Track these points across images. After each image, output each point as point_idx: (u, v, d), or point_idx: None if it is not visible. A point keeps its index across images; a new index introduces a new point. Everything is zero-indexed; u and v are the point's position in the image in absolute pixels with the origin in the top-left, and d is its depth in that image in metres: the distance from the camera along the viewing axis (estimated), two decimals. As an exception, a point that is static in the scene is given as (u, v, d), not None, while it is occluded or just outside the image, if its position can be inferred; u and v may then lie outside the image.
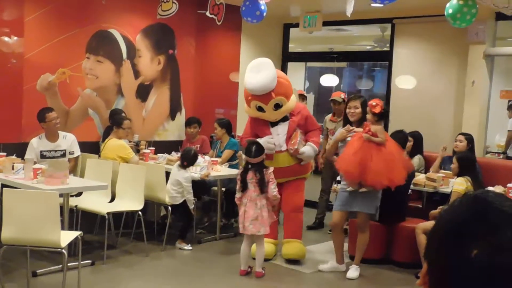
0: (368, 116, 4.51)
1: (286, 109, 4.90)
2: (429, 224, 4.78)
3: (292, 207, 5.06)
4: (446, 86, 6.78)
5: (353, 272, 4.68)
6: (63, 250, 3.65)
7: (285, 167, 4.89)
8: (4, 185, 3.92)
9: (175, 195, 5.19)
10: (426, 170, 5.82)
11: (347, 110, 4.71)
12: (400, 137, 5.22)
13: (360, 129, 4.52)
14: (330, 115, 6.38)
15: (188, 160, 5.23)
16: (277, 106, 4.80)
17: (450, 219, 0.81)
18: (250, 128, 5.09)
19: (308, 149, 4.95)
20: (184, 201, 5.25)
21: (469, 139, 5.72)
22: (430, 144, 6.21)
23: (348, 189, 4.55)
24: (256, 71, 4.74)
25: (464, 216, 0.79)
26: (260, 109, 4.82)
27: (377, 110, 4.45)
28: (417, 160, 6.04)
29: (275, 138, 4.88)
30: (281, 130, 4.92)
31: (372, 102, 4.50)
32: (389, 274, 4.92)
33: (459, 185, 4.63)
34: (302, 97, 6.48)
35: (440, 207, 4.86)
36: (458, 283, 0.76)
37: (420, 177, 5.42)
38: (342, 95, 6.25)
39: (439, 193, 5.21)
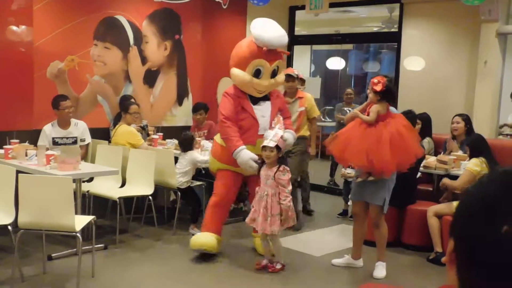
0: (370, 95, 4.17)
1: (278, 81, 4.58)
2: (440, 207, 4.82)
3: None
4: (457, 66, 6.71)
5: (380, 271, 4.37)
6: (78, 234, 3.76)
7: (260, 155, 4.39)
8: (18, 171, 4.01)
9: (179, 179, 5.28)
10: (436, 153, 5.76)
11: (368, 91, 4.38)
12: (409, 118, 5.23)
13: (361, 106, 4.35)
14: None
15: (182, 145, 5.32)
16: (273, 74, 4.44)
17: (481, 195, 0.81)
18: (232, 105, 4.39)
19: (290, 137, 4.49)
20: (191, 186, 5.35)
21: (466, 119, 5.65)
22: (440, 126, 6.19)
23: (357, 180, 4.33)
24: (269, 25, 4.44)
25: (495, 192, 0.79)
26: (257, 73, 4.36)
27: (379, 88, 4.08)
28: (426, 143, 6.04)
29: (260, 120, 4.43)
30: (265, 111, 4.48)
31: (374, 79, 4.17)
32: (399, 257, 4.96)
33: (474, 166, 4.59)
34: (301, 81, 6.05)
35: (443, 180, 4.90)
36: (487, 259, 0.76)
37: (430, 160, 5.37)
38: (296, 71, 5.69)
39: (451, 175, 5.11)
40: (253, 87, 4.38)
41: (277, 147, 4.09)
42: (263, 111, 4.47)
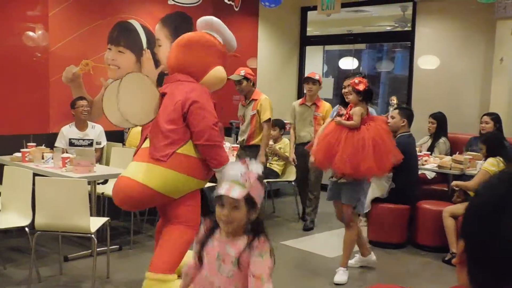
0: (351, 96, 4.00)
1: None
2: (456, 207, 4.77)
3: None
4: (472, 64, 6.65)
5: (341, 276, 4.20)
6: (93, 236, 3.82)
7: None
8: (35, 174, 4.08)
9: None
10: (452, 153, 5.71)
11: (343, 90, 4.25)
12: (408, 115, 5.24)
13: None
14: (242, 99, 5.53)
15: None
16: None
17: (491, 195, 0.81)
18: (213, 107, 3.57)
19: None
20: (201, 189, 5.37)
21: (495, 118, 5.56)
22: (455, 125, 6.15)
23: (331, 179, 4.21)
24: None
25: (506, 192, 0.79)
26: None
27: (361, 87, 3.93)
28: (442, 143, 5.98)
29: None
30: None
31: (355, 79, 4.01)
32: (414, 258, 4.94)
33: (491, 165, 4.52)
34: (313, 82, 5.66)
35: (455, 182, 4.87)
36: (498, 260, 0.76)
37: (446, 159, 5.35)
38: (243, 71, 5.28)
39: (466, 175, 5.08)
40: (219, 86, 3.76)
41: (247, 200, 2.05)
42: None
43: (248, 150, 5.14)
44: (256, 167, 2.10)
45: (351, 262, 4.48)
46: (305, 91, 5.80)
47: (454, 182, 4.88)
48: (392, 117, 5.29)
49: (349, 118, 3.96)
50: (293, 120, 5.71)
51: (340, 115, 4.06)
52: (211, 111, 3.43)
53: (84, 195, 3.73)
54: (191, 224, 3.46)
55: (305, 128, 5.69)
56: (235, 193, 2.01)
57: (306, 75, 5.95)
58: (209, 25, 3.71)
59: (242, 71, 5.21)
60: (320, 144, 4.07)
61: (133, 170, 3.43)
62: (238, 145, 5.60)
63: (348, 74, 4.41)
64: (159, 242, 3.47)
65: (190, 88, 3.41)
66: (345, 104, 4.17)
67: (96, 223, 3.95)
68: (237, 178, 2.05)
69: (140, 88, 3.52)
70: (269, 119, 5.26)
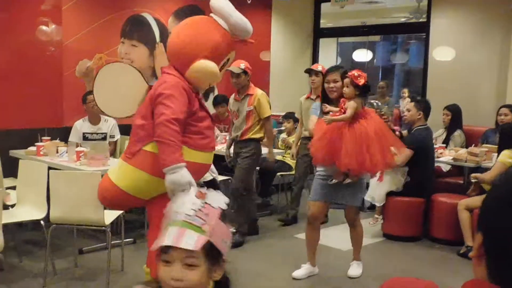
0: (348, 89, 3.70)
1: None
2: (471, 200, 4.72)
3: None
4: (489, 56, 6.57)
5: (356, 269, 4.19)
6: (107, 229, 3.83)
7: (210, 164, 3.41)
8: (50, 168, 4.11)
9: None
10: (468, 145, 5.65)
11: (326, 85, 3.92)
12: (424, 107, 5.20)
13: (337, 109, 3.78)
14: (234, 93, 5.21)
15: None
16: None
17: (510, 187, 0.81)
18: (186, 103, 3.07)
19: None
20: (214, 180, 5.38)
21: None
22: (471, 117, 6.09)
23: (331, 182, 3.90)
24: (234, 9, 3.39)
25: None
26: (222, 66, 3.31)
27: (361, 82, 3.67)
28: (457, 136, 5.93)
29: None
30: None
31: (354, 72, 3.73)
32: (428, 251, 4.91)
33: (507, 157, 4.46)
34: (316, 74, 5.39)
35: (474, 174, 4.82)
36: None
37: (461, 152, 5.30)
38: (243, 65, 4.93)
39: (482, 168, 5.01)
40: (213, 80, 3.32)
41: (208, 252, 1.42)
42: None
43: (241, 144, 5.00)
44: (217, 198, 1.44)
45: (299, 273, 4.13)
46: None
47: (473, 174, 4.81)
48: (408, 110, 5.24)
49: (345, 112, 3.69)
50: (300, 115, 5.59)
51: (326, 113, 3.83)
52: (174, 107, 2.98)
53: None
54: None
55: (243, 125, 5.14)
56: (190, 242, 1.34)
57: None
58: (213, 10, 3.33)
59: (242, 64, 4.90)
60: (320, 142, 3.78)
61: (112, 168, 3.32)
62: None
63: (331, 67, 4.04)
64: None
65: (162, 80, 3.15)
66: (327, 101, 3.91)
67: (110, 216, 3.97)
68: (190, 218, 1.38)
69: (122, 79, 3.40)
70: (269, 116, 5.06)
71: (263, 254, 4.73)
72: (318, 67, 5.45)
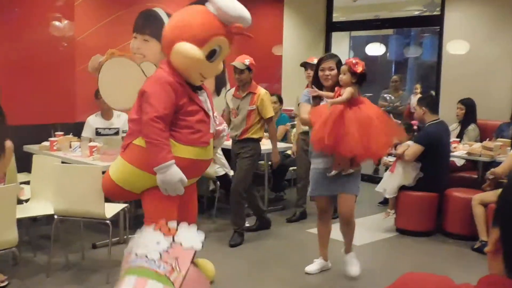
0: (344, 77, 3.60)
1: (221, 68, 3.37)
2: (486, 195, 4.68)
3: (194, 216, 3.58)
4: (503, 49, 6.49)
5: (356, 265, 3.94)
6: (108, 222, 3.84)
7: (210, 159, 3.36)
8: (63, 162, 4.15)
9: (217, 168, 5.36)
10: (482, 139, 5.60)
11: (320, 73, 3.79)
12: (428, 102, 5.19)
13: (331, 93, 3.69)
14: (233, 89, 4.96)
15: None
16: (211, 56, 3.16)
17: None
18: (171, 98, 3.03)
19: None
20: (226, 175, 5.40)
21: None
22: (485, 112, 6.03)
23: (331, 173, 3.75)
24: None
25: None
26: (212, 54, 3.11)
27: (359, 69, 3.58)
28: (471, 130, 5.88)
29: (210, 116, 3.27)
30: (208, 103, 3.30)
31: (351, 60, 3.65)
32: (442, 246, 4.88)
33: None
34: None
35: (491, 170, 4.78)
36: None
37: (475, 146, 5.26)
38: (248, 61, 4.73)
39: (496, 162, 4.95)
40: (200, 72, 3.14)
41: None
42: (206, 103, 3.26)
43: (240, 144, 4.82)
44: (189, 236, 1.11)
45: (312, 268, 4.11)
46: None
47: (490, 171, 4.77)
48: (415, 109, 5.26)
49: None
50: (298, 111, 5.42)
51: (317, 98, 3.75)
52: (156, 104, 2.96)
53: (98, 182, 3.67)
54: (154, 222, 3.08)
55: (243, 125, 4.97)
56: None
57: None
58: None
59: (246, 60, 4.72)
60: (323, 128, 3.55)
61: (113, 161, 3.39)
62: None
63: (326, 55, 3.96)
64: None
65: (151, 76, 3.18)
66: (319, 89, 3.78)
67: (112, 209, 3.99)
68: (153, 264, 1.03)
69: (123, 73, 3.44)
70: (272, 116, 4.94)
71: (275, 249, 4.72)
72: (314, 60, 5.12)
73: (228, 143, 4.95)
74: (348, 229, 3.90)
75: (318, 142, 3.60)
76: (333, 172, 3.73)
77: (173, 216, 3.13)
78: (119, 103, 3.50)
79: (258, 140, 4.89)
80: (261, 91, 4.83)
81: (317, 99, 3.79)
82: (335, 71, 3.73)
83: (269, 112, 4.84)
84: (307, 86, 5.21)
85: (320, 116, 3.61)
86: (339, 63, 3.77)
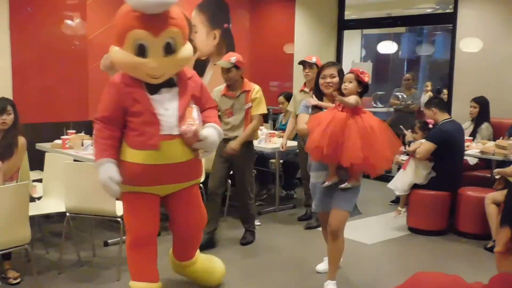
0: (350, 85, 3.45)
1: (182, 59, 3.07)
2: (499, 194, 4.64)
3: (195, 227, 3.48)
4: (518, 47, 6.44)
5: None
6: (119, 219, 3.84)
7: (178, 163, 3.08)
8: (75, 160, 4.18)
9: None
10: (495, 138, 5.56)
11: (321, 81, 3.67)
12: (436, 103, 5.20)
13: (331, 104, 3.57)
14: (223, 87, 4.65)
15: None
16: (169, 49, 2.97)
17: None
18: (113, 99, 3.05)
19: (211, 133, 3.17)
20: None
21: None
22: (499, 110, 5.97)
23: (325, 184, 3.52)
24: None
25: None
26: (141, 50, 2.94)
27: (365, 79, 3.46)
28: (485, 129, 5.84)
29: (163, 115, 3.04)
30: (169, 102, 3.06)
31: (359, 69, 3.53)
32: (454, 245, 4.85)
33: None
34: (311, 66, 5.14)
35: (496, 170, 4.74)
36: None
37: (489, 145, 5.22)
38: (234, 58, 4.50)
39: (510, 161, 4.88)
40: (142, 71, 3.00)
41: None
42: (165, 102, 3.05)
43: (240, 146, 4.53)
44: None
45: (322, 267, 4.04)
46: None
47: (496, 170, 4.75)
48: (424, 111, 5.28)
49: (343, 108, 3.39)
50: (293, 108, 5.24)
51: (316, 108, 3.62)
52: (100, 105, 3.09)
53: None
54: (127, 228, 3.24)
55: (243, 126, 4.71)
56: None
57: (344, 60, 5.51)
58: None
59: (233, 58, 4.49)
60: (323, 136, 3.32)
61: None
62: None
63: (328, 63, 3.81)
64: None
65: None
66: (320, 97, 3.69)
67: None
68: None
69: None
70: (264, 113, 4.70)
71: (287, 247, 4.71)
72: (313, 58, 5.17)
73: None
74: (334, 246, 3.58)
75: (316, 151, 3.39)
76: (326, 183, 3.51)
77: (139, 224, 3.17)
78: None
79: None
80: (256, 87, 4.61)
81: (316, 110, 3.64)
82: (336, 79, 3.63)
83: (262, 109, 4.59)
84: (305, 85, 5.25)
85: (319, 123, 3.41)
86: (340, 72, 3.67)
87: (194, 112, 3.08)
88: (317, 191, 3.64)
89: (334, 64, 3.74)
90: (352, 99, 3.39)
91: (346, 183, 3.47)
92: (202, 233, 3.62)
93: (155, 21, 2.89)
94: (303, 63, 5.21)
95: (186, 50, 3.08)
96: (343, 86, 3.50)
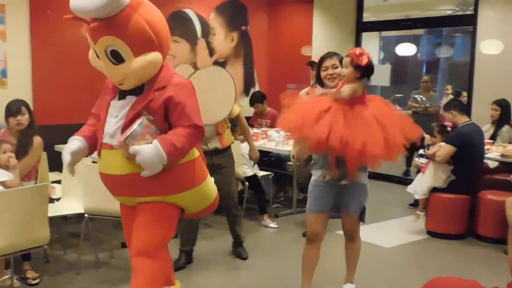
0: (346, 70, 3.08)
1: (135, 69, 2.64)
2: None
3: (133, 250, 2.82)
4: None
5: None
6: None
7: (119, 175, 2.69)
8: (94, 162, 4.20)
9: (246, 169, 5.37)
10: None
11: (323, 73, 3.32)
12: (456, 105, 5.16)
13: (334, 90, 3.20)
14: None
15: None
16: (118, 57, 2.64)
17: None
18: (99, 99, 3.05)
19: (146, 150, 2.55)
20: (255, 175, 5.39)
21: None
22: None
23: (325, 179, 3.25)
24: None
25: None
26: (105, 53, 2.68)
27: (363, 61, 3.05)
28: (505, 131, 5.77)
29: (109, 122, 2.77)
30: (120, 110, 2.75)
31: (355, 50, 3.10)
32: (473, 249, 4.80)
33: None
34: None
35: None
36: None
37: (509, 148, 5.17)
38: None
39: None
40: (105, 72, 2.81)
41: None
42: (118, 109, 2.75)
43: (222, 154, 4.29)
44: None
45: None
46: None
47: None
48: (444, 114, 5.22)
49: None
50: None
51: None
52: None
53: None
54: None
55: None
56: None
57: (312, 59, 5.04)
58: None
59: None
60: (318, 123, 3.00)
61: None
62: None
63: (327, 53, 3.44)
64: None
65: None
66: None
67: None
68: None
69: (215, 84, 3.45)
70: (239, 113, 4.52)
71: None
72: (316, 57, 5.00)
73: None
74: (350, 250, 3.46)
75: (317, 143, 3.01)
76: (326, 178, 3.23)
77: (125, 234, 3.06)
78: (208, 117, 3.23)
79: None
80: None
81: None
82: (339, 69, 3.24)
83: (235, 111, 4.29)
84: (312, 86, 4.70)
85: (314, 108, 3.06)
86: (342, 62, 3.24)
87: (138, 123, 2.61)
88: (314, 191, 3.34)
89: (335, 54, 3.38)
90: (346, 91, 3.03)
91: (343, 181, 3.18)
92: (146, 263, 2.79)
93: (94, 27, 2.63)
94: (311, 63, 4.87)
95: (139, 61, 2.63)
96: (339, 71, 3.18)
